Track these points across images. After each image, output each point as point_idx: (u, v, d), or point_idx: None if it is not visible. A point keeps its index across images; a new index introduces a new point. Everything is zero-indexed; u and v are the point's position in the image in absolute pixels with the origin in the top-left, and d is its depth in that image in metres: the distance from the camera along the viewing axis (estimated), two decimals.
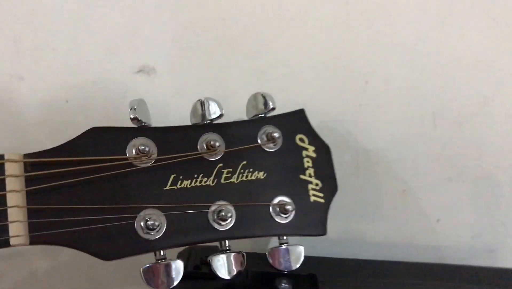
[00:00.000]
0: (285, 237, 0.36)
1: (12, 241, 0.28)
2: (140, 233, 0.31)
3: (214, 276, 0.34)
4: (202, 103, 0.35)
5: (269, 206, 0.35)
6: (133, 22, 0.44)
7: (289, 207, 0.35)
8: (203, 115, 0.35)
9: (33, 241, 0.28)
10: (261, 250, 0.48)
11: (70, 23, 0.43)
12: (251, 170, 0.35)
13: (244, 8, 0.45)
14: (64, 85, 0.43)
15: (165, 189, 0.32)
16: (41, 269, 0.51)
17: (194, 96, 0.36)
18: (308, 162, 0.37)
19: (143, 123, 0.33)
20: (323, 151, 0.37)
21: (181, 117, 0.43)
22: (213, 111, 0.35)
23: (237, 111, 0.39)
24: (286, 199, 0.35)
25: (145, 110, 0.34)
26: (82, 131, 0.31)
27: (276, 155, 0.36)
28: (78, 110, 0.43)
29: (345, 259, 0.41)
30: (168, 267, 0.32)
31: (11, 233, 0.28)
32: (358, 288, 0.38)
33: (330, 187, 0.37)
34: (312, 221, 0.36)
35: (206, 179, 0.34)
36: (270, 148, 0.36)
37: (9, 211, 0.28)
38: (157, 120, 0.35)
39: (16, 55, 0.43)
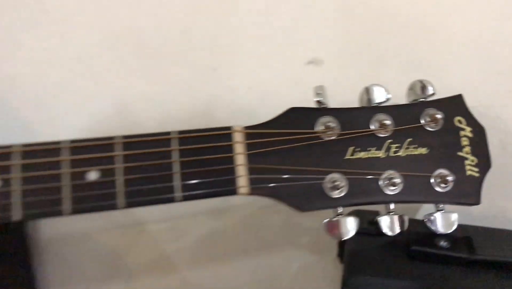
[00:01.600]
0: (441, 205, 0.42)
1: (240, 191, 0.37)
2: (327, 191, 0.39)
3: (379, 233, 0.41)
4: (367, 90, 0.42)
5: (430, 176, 0.41)
6: (304, 16, 0.52)
7: (449, 178, 0.40)
8: (369, 100, 0.42)
9: (252, 192, 0.37)
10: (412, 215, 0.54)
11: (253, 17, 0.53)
12: (415, 146, 0.41)
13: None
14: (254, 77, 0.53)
15: (344, 158, 0.40)
16: (218, 228, 0.61)
17: (360, 84, 0.43)
18: (465, 140, 0.42)
19: (323, 105, 0.41)
20: (479, 131, 0.42)
21: (345, 102, 0.50)
22: (378, 95, 0.42)
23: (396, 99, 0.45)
24: (445, 172, 0.41)
25: (324, 94, 0.42)
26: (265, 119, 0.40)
27: (437, 134, 0.42)
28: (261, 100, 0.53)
29: (499, 229, 0.45)
30: (345, 221, 0.39)
31: (238, 184, 0.37)
32: None
33: (484, 163, 0.42)
34: (468, 191, 0.41)
35: (377, 151, 0.41)
36: (432, 128, 0.42)
37: (237, 168, 0.37)
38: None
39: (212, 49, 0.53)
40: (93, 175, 0.36)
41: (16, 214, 0.36)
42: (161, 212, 0.62)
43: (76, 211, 0.36)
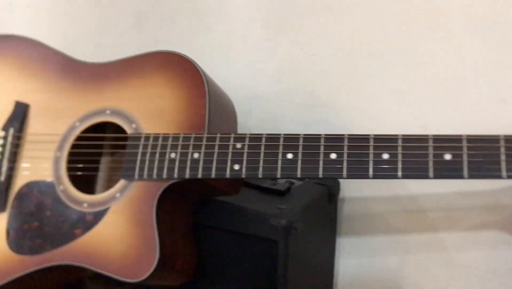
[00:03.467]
0: None
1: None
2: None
3: None
4: None
5: None
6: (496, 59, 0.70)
7: None
8: None
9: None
10: None
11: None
12: None
13: None
14: None
15: None
16: (486, 221, 0.81)
17: None
18: None
19: None
20: None
21: None
22: None
23: None
24: None
25: None
26: None
27: None
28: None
29: None
30: None
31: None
32: None
33: None
34: None
35: None
36: None
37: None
38: None
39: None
40: (447, 156, 0.60)
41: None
42: (441, 203, 0.85)
43: (437, 177, 0.60)
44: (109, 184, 0.85)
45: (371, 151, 0.63)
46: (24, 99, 0.84)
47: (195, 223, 0.81)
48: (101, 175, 0.87)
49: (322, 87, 0.90)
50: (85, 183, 0.80)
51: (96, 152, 0.85)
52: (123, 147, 0.76)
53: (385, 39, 0.83)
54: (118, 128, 0.81)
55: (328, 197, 0.88)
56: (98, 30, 1.12)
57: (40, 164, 0.79)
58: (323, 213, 0.88)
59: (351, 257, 0.95)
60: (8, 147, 0.81)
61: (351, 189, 0.92)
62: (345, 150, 0.64)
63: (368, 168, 0.63)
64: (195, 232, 0.80)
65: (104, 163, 0.87)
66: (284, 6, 0.89)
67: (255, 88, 0.96)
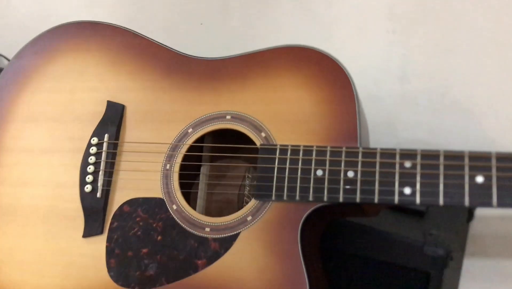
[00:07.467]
0: None
1: None
2: None
3: None
4: None
5: None
6: None
7: None
8: None
9: None
10: None
11: None
12: None
13: None
14: None
15: None
16: None
17: None
18: None
19: None
20: None
21: None
22: None
23: None
24: None
25: None
26: None
27: None
28: None
29: None
30: None
31: None
32: None
33: None
34: None
35: None
36: None
37: None
38: None
39: None
40: None
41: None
42: None
43: None
44: (210, 199, 0.73)
45: None
46: (117, 99, 0.70)
47: (326, 248, 0.69)
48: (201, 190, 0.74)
49: (459, 89, 0.77)
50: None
51: (211, 164, 0.72)
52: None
53: None
54: (219, 136, 0.68)
55: (467, 216, 0.76)
56: (171, 18, 0.98)
57: (145, 177, 0.67)
58: (460, 233, 0.77)
59: (477, 281, 0.84)
60: (103, 157, 0.68)
61: None
62: None
63: None
64: (330, 258, 0.69)
65: (204, 174, 0.74)
66: None
67: (372, 87, 0.83)
